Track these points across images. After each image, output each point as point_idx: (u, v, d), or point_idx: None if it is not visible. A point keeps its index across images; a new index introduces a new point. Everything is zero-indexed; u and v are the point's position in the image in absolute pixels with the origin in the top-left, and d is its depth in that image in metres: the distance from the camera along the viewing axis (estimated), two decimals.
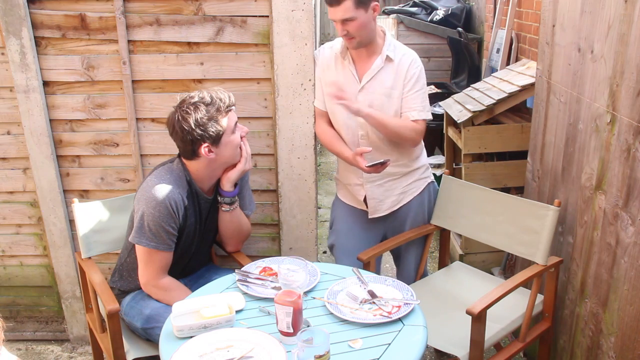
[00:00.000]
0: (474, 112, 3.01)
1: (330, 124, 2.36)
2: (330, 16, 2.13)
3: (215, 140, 1.94)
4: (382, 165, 2.17)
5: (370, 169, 2.17)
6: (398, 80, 2.24)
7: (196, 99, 1.93)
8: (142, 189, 1.99)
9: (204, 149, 1.94)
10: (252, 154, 2.44)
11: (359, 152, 2.17)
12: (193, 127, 1.90)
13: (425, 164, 2.47)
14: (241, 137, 2.05)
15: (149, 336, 2.02)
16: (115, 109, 2.46)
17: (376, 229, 2.47)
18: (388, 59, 2.23)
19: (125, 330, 2.10)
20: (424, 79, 2.28)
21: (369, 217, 2.43)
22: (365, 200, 2.40)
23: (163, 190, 1.93)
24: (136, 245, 2.01)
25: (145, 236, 1.96)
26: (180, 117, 1.92)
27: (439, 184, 2.53)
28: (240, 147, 2.05)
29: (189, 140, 1.93)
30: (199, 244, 2.16)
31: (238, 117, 2.42)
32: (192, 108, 1.91)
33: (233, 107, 1.98)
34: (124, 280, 2.17)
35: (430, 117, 2.31)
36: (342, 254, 2.47)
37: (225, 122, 1.95)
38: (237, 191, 2.11)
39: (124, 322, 2.13)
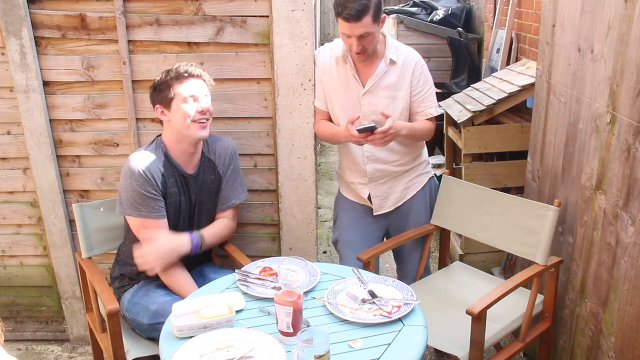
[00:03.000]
0: (474, 112, 3.01)
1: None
2: (346, 32, 2.09)
3: (165, 102, 2.05)
4: (372, 132, 2.11)
5: (361, 136, 2.11)
6: (403, 82, 2.25)
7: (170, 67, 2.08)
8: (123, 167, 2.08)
9: (157, 110, 2.08)
10: (252, 154, 2.46)
11: (350, 121, 2.14)
12: (151, 90, 2.10)
13: (426, 159, 2.50)
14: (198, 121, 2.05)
15: (155, 332, 2.01)
16: (115, 109, 2.46)
17: (379, 224, 2.48)
18: (391, 61, 2.23)
19: (125, 330, 2.11)
20: (430, 76, 2.32)
21: (374, 214, 2.44)
22: (369, 198, 2.40)
23: (136, 160, 2.04)
24: (128, 220, 2.09)
25: (132, 206, 2.03)
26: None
27: (439, 184, 2.53)
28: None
29: (151, 103, 2.11)
30: (190, 225, 2.18)
31: (238, 117, 2.43)
32: (160, 74, 2.08)
33: (185, 75, 2.03)
34: (121, 265, 2.21)
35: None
36: (346, 248, 2.48)
37: (178, 88, 2.03)
38: (196, 247, 2.11)
39: (125, 320, 2.14)
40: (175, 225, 2.14)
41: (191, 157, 2.13)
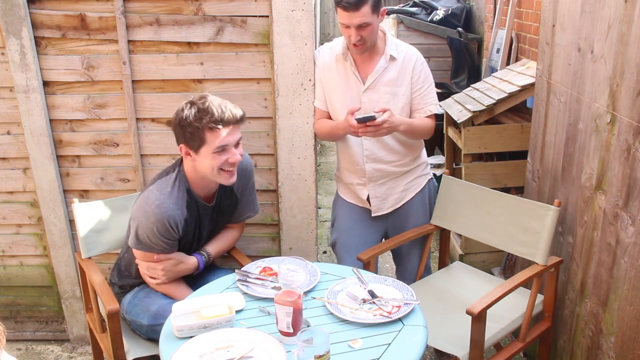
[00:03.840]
0: (474, 112, 3.01)
1: None
2: (344, 22, 2.10)
3: (193, 146, 1.89)
4: (373, 121, 2.10)
5: (360, 126, 2.10)
6: (404, 78, 2.25)
7: (199, 100, 1.89)
8: (143, 198, 1.97)
9: (182, 149, 1.94)
10: (252, 154, 2.45)
11: (351, 112, 2.13)
12: (176, 123, 1.90)
13: (425, 161, 2.49)
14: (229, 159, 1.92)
15: (154, 333, 2.00)
16: (115, 109, 2.46)
17: (378, 226, 2.48)
18: (391, 58, 2.23)
19: (125, 330, 2.10)
20: (430, 73, 2.32)
21: (372, 215, 2.43)
22: (368, 199, 2.40)
23: (162, 207, 1.92)
24: (134, 251, 2.04)
25: (143, 244, 1.97)
26: (177, 111, 1.92)
27: (439, 184, 2.53)
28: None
29: (174, 133, 1.95)
30: (199, 246, 2.17)
31: None
32: (188, 105, 1.89)
33: (219, 126, 1.84)
34: (122, 275, 2.19)
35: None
36: (344, 251, 2.48)
37: (209, 137, 1.85)
38: (202, 268, 2.11)
39: (125, 321, 2.13)
40: (189, 247, 2.11)
41: (212, 189, 2.08)
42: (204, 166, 1.92)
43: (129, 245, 2.04)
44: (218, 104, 1.87)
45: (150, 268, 2.03)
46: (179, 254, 2.04)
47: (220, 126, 1.85)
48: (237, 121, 1.89)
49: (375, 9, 2.08)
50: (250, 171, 2.20)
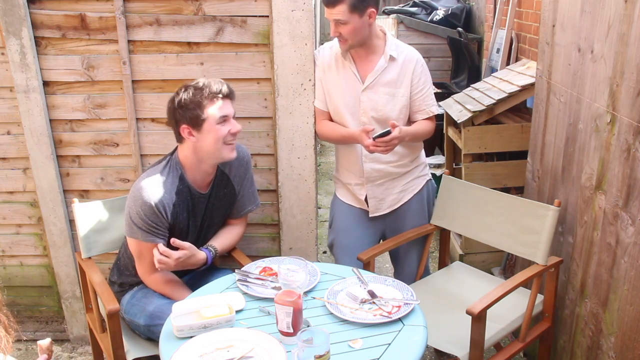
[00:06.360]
0: (474, 112, 3.01)
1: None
2: (325, 15, 2.17)
3: (195, 124, 1.95)
4: (388, 135, 2.12)
5: (375, 143, 2.12)
6: (403, 79, 2.26)
7: (192, 83, 1.98)
8: (133, 185, 2.02)
9: (184, 130, 1.97)
10: (252, 154, 2.46)
11: (365, 131, 2.16)
12: (176, 106, 1.96)
13: (424, 162, 2.49)
14: (232, 133, 2.01)
15: (151, 334, 2.02)
16: (115, 109, 2.46)
17: (375, 227, 2.48)
18: (391, 58, 2.24)
19: (125, 330, 2.11)
20: (430, 74, 2.34)
21: (370, 216, 2.43)
22: (366, 199, 2.40)
23: (150, 190, 1.95)
24: (128, 240, 2.04)
25: (132, 229, 1.98)
26: (171, 97, 2.00)
27: (439, 185, 2.53)
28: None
29: (173, 120, 2.00)
30: (197, 242, 2.16)
31: (238, 117, 2.42)
32: (182, 90, 1.97)
33: (219, 96, 1.95)
34: (121, 273, 2.19)
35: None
36: (341, 252, 2.47)
37: (211, 109, 1.94)
38: (211, 260, 2.11)
39: (124, 322, 2.13)
40: (187, 237, 2.10)
41: (207, 176, 2.09)
42: (208, 143, 1.97)
43: (125, 236, 2.05)
44: (210, 80, 1.98)
45: (162, 257, 1.97)
46: (192, 247, 2.03)
47: (220, 96, 1.95)
48: (231, 93, 2.01)
49: (355, 9, 2.09)
50: (247, 161, 2.21)
